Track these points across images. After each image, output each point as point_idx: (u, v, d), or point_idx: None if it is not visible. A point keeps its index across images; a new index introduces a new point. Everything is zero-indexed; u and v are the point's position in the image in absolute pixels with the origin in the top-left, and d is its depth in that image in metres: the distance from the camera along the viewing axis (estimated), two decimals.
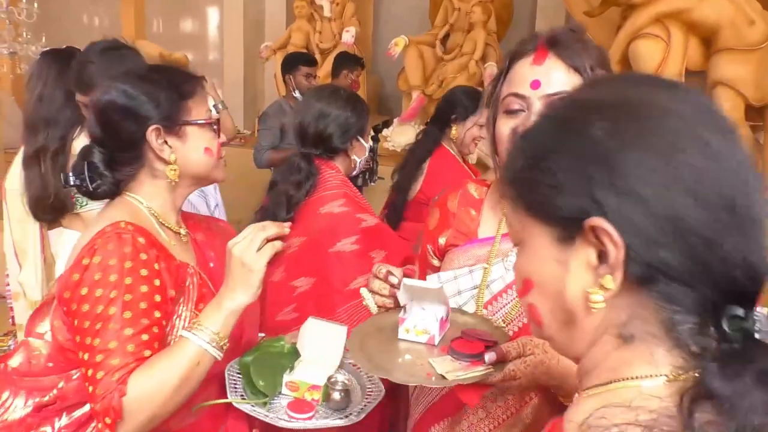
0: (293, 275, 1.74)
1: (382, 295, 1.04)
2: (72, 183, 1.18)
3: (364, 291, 1.07)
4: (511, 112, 1.00)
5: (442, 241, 1.16)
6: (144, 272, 1.07)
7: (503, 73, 1.04)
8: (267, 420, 1.17)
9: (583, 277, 0.53)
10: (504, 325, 1.04)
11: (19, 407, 1.13)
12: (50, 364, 1.18)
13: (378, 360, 0.94)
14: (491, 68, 4.63)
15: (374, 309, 1.06)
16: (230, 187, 2.55)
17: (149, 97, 1.15)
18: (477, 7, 4.79)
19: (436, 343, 0.98)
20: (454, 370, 0.88)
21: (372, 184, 3.59)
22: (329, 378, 1.24)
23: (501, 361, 0.88)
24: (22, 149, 1.88)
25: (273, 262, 1.12)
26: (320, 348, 1.31)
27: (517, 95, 0.99)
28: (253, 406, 1.18)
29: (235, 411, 1.23)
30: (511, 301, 1.06)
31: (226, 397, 1.21)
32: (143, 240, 1.09)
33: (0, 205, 2.01)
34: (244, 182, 3.21)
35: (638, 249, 0.49)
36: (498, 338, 0.94)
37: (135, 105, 1.15)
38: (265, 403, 1.19)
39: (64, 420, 1.10)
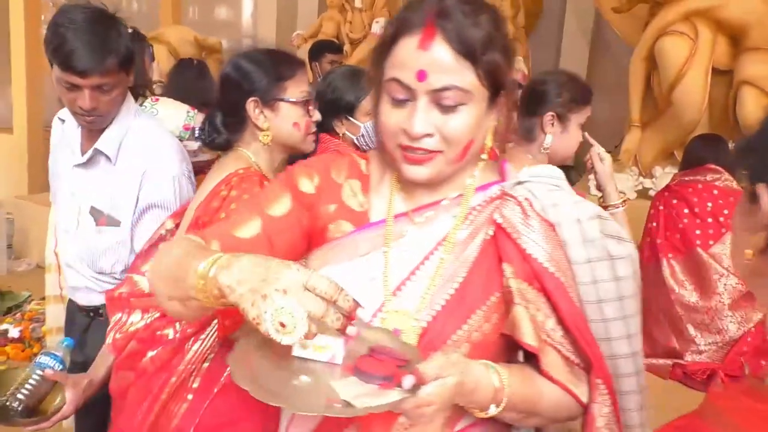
0: None
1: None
2: (197, 135, 1.50)
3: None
4: (397, 102, 0.88)
5: (331, 208, 0.99)
6: None
7: (387, 44, 0.89)
8: None
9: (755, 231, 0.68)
10: (414, 314, 0.91)
11: (136, 321, 1.39)
12: None
13: (268, 382, 0.77)
14: (518, 63, 4.66)
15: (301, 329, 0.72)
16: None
17: (255, 74, 1.40)
18: (505, 2, 4.82)
19: (339, 362, 0.84)
20: (361, 395, 0.75)
21: None
22: None
23: (418, 385, 0.77)
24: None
25: None
26: None
27: (401, 84, 0.87)
28: None
29: None
30: (420, 288, 0.92)
31: None
32: (267, 184, 1.33)
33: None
34: None
35: None
36: (410, 356, 0.82)
37: (242, 79, 1.41)
38: None
39: (185, 323, 1.32)
